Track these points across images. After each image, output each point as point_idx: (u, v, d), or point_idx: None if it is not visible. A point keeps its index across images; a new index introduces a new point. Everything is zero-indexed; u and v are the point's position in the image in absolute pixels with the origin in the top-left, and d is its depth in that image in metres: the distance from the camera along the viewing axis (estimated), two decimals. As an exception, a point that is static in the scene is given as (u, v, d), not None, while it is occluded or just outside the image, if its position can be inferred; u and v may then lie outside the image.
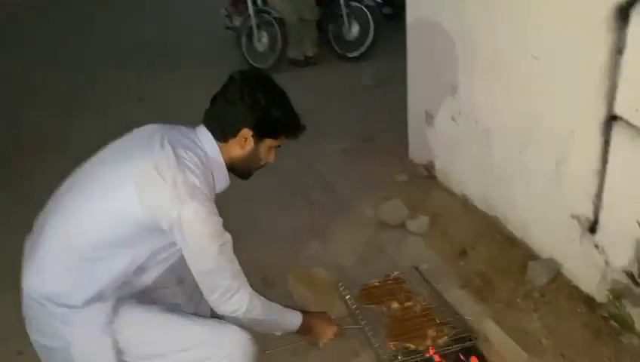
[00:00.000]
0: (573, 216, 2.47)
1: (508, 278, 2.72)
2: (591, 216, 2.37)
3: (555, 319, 2.44)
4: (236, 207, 2.34)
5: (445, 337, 2.18)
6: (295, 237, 3.03)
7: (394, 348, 2.15)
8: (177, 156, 1.53)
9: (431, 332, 2.18)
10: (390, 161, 3.75)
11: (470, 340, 2.18)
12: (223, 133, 1.65)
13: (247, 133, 1.64)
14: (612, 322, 2.36)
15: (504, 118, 2.78)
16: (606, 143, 2.20)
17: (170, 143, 1.56)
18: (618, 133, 2.12)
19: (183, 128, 1.69)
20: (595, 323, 2.38)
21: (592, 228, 2.38)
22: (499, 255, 2.89)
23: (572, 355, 2.26)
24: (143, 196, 1.48)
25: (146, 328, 1.58)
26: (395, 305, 2.36)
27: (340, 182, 3.61)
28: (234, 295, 1.62)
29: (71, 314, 1.52)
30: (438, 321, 2.27)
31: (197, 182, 1.51)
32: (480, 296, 2.62)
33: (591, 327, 2.37)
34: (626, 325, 2.31)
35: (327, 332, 2.01)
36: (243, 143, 1.66)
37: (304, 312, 1.98)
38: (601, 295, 2.44)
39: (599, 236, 2.36)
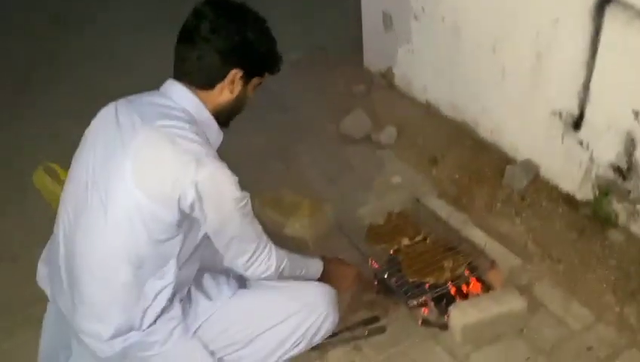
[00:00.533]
0: (554, 113, 2.34)
1: (484, 184, 2.60)
2: (575, 110, 2.24)
3: (538, 221, 2.36)
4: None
5: (462, 266, 2.04)
6: (255, 160, 2.76)
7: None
8: (160, 130, 1.32)
9: (447, 264, 2.03)
10: (345, 72, 3.47)
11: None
12: (208, 80, 1.40)
13: (236, 74, 1.40)
14: (595, 220, 2.29)
15: (475, 13, 2.55)
16: (596, 30, 2.02)
17: (144, 120, 1.34)
18: (612, 17, 1.95)
19: (146, 95, 1.45)
20: (579, 222, 2.32)
21: (577, 123, 2.26)
22: (471, 161, 2.75)
23: (559, 256, 2.19)
24: (153, 194, 1.31)
25: (228, 325, 1.49)
26: (405, 241, 2.18)
27: (294, 98, 3.31)
28: (261, 256, 1.48)
29: (146, 337, 1.41)
30: (450, 251, 2.13)
31: (196, 145, 1.32)
32: (458, 204, 2.50)
33: (575, 227, 2.30)
34: (610, 221, 2.25)
35: (348, 276, 1.83)
36: (232, 86, 1.41)
37: (323, 257, 1.77)
38: (583, 193, 2.37)
39: (584, 132, 2.25)
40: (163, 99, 1.39)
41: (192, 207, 1.31)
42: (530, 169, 2.51)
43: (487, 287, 2.05)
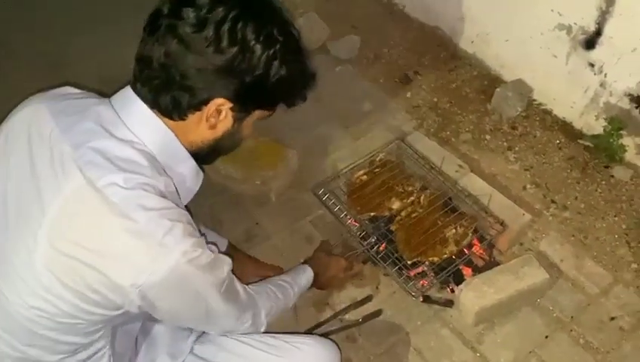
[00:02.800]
0: (561, 27, 1.93)
1: (467, 109, 2.21)
2: (591, 26, 1.84)
3: (535, 157, 2.03)
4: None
5: (469, 234, 1.67)
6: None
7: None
8: (103, 194, 0.79)
9: (450, 233, 1.65)
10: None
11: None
12: (174, 106, 0.86)
13: (220, 104, 0.86)
14: (598, 153, 2.00)
15: None
16: None
17: (78, 165, 0.80)
18: None
19: (90, 103, 0.90)
20: (579, 157, 2.02)
21: (590, 42, 1.87)
22: (450, 80, 2.34)
23: (563, 201, 1.90)
24: (74, 291, 0.81)
25: None
26: (396, 204, 1.75)
27: None
28: (248, 324, 1.06)
29: None
30: (451, 213, 1.75)
31: (160, 220, 0.81)
32: (441, 137, 2.11)
33: (576, 162, 2.01)
34: (616, 156, 1.97)
35: (337, 269, 1.55)
36: (214, 121, 0.88)
37: (307, 261, 1.49)
38: (584, 122, 2.05)
39: (598, 52, 1.87)
40: (114, 122, 0.85)
41: (141, 308, 0.84)
42: (524, 92, 2.14)
43: (492, 250, 1.73)
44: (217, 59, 0.79)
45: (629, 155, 1.95)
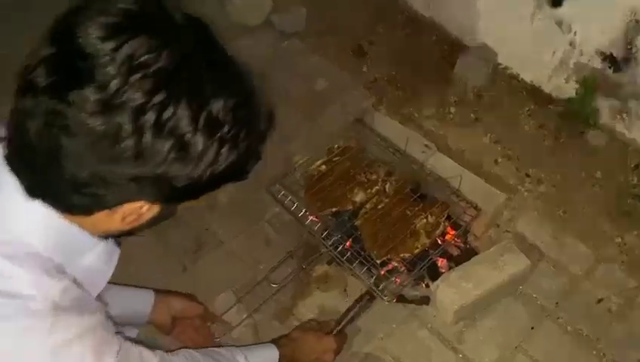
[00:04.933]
0: (525, -16, 1.75)
1: (429, 80, 2.03)
2: (557, -19, 1.67)
3: (504, 127, 1.88)
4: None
5: (441, 222, 1.50)
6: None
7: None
8: None
9: (421, 225, 1.48)
10: None
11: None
12: (67, 208, 0.64)
13: (140, 206, 0.65)
14: (570, 119, 1.86)
15: None
16: None
17: None
18: None
19: None
20: (551, 124, 1.88)
21: (557, -2, 1.71)
22: (407, 48, 2.15)
23: (538, 173, 1.76)
24: None
25: None
26: (359, 196, 1.56)
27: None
28: None
29: None
30: (420, 200, 1.59)
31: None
32: (403, 113, 1.93)
33: (548, 130, 1.86)
34: (589, 121, 1.83)
35: (324, 359, 1.27)
36: (131, 219, 0.67)
37: (276, 340, 1.23)
38: (553, 85, 1.90)
39: (567, 9, 1.72)
40: None
41: None
42: (489, 58, 1.97)
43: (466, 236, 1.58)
44: (135, 167, 0.56)
45: (604, 118, 1.82)
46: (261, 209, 1.66)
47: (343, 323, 1.37)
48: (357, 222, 1.54)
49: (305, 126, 1.84)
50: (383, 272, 1.47)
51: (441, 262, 1.52)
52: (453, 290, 1.38)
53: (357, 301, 1.42)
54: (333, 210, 1.57)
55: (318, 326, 1.35)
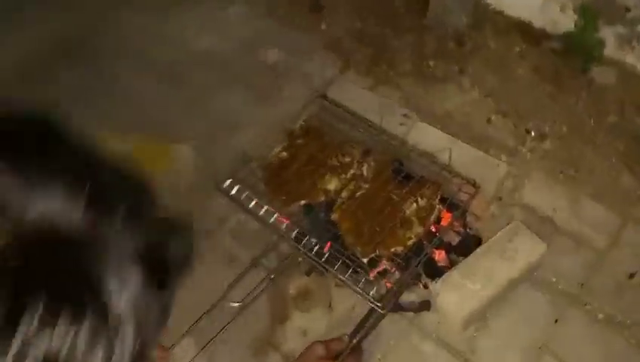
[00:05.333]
0: None
1: (400, 30, 1.74)
2: None
3: (494, 76, 1.60)
4: None
5: (435, 205, 1.23)
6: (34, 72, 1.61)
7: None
8: None
9: (411, 211, 1.22)
10: None
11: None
12: None
13: None
14: (569, 56, 1.57)
15: None
16: None
17: None
18: None
19: None
20: (548, 64, 1.60)
21: None
22: (370, -6, 1.83)
23: (540, 127, 1.49)
24: None
25: None
26: (332, 183, 1.29)
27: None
28: None
29: None
30: (406, 182, 1.30)
31: None
32: (375, 73, 1.64)
33: (545, 72, 1.58)
34: (593, 55, 1.55)
35: None
36: None
37: None
38: (544, 19, 1.60)
39: None
40: None
41: None
42: (467, -5, 1.66)
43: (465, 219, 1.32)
44: None
45: (610, 50, 1.53)
46: (218, 219, 1.40)
47: (357, 338, 1.10)
48: (333, 216, 1.28)
49: (258, 107, 1.55)
50: (373, 274, 1.22)
51: (439, 255, 1.27)
52: (457, 295, 1.13)
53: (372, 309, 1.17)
54: (302, 203, 1.30)
55: (325, 349, 1.05)
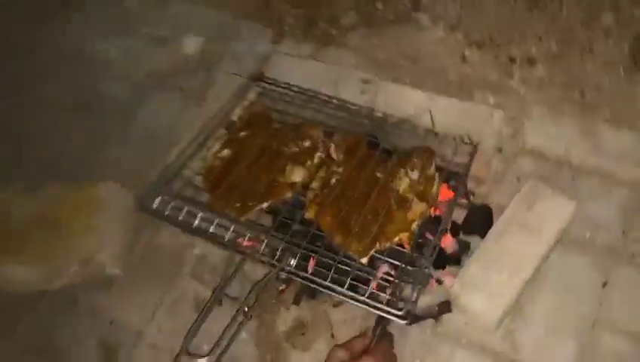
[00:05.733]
0: None
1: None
2: None
3: (455, 2, 1.32)
4: None
5: (433, 176, 1.00)
6: None
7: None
8: None
9: (405, 187, 0.99)
10: None
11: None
12: None
13: None
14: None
15: None
16: None
17: None
18: None
19: None
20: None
21: None
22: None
23: (526, 50, 1.24)
24: None
25: None
26: (297, 174, 1.05)
27: None
28: None
29: None
30: (390, 157, 1.04)
31: None
32: (316, 36, 1.36)
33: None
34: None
35: None
36: None
37: None
38: None
39: None
40: None
41: None
42: None
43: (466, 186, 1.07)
44: None
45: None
46: (175, 257, 1.14)
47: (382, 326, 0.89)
48: (308, 214, 1.01)
49: (184, 109, 1.27)
50: (375, 284, 0.96)
51: (445, 240, 1.03)
52: (483, 294, 0.90)
53: None
54: (264, 206, 1.03)
55: (346, 351, 0.85)
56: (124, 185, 1.19)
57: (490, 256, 0.92)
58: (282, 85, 1.17)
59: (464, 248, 1.03)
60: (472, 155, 1.01)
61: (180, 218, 0.98)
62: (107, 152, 1.25)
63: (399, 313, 0.84)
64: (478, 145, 1.02)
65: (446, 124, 1.07)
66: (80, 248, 1.07)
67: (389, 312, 0.85)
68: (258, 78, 1.19)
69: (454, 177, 1.04)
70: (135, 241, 1.16)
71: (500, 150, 1.13)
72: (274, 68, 1.25)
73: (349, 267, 0.91)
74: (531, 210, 0.94)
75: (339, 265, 0.89)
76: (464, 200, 1.07)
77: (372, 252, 0.94)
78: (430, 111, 1.06)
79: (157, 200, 0.98)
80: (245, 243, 0.98)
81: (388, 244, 0.95)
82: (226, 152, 1.11)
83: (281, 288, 1.06)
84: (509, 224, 0.94)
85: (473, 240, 1.03)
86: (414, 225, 0.93)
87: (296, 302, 1.06)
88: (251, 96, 1.19)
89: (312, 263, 0.98)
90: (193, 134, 1.09)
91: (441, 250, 1.02)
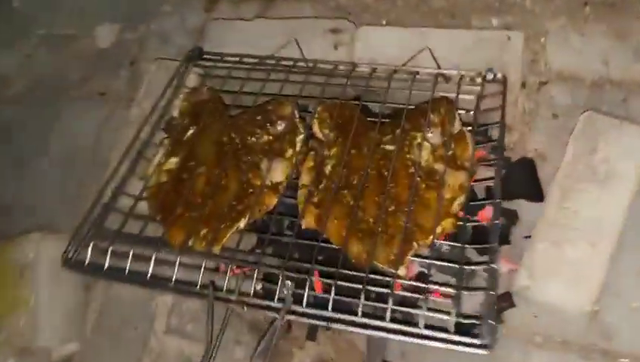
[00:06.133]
0: None
1: None
2: None
3: None
4: None
5: (464, 131, 0.74)
6: None
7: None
8: None
9: (429, 157, 0.73)
10: None
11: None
12: None
13: None
14: None
15: None
16: None
17: None
18: None
19: None
20: None
21: None
22: None
23: None
24: None
25: None
26: (279, 171, 0.78)
27: None
28: None
29: None
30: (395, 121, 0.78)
31: None
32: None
33: None
34: None
35: None
36: None
37: None
38: None
39: None
40: None
41: None
42: None
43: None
44: None
45: None
46: (141, 314, 0.86)
47: None
48: (304, 222, 0.73)
49: (109, 117, 0.98)
50: (434, 293, 0.70)
51: (483, 214, 0.77)
52: (562, 280, 0.65)
53: None
54: (242, 225, 0.73)
55: None
56: (53, 231, 0.90)
57: (557, 225, 0.67)
58: (229, 59, 0.89)
59: (512, 219, 0.78)
60: (502, 95, 0.76)
61: (126, 268, 0.69)
62: (22, 194, 0.96)
63: (477, 342, 0.59)
64: (505, 79, 0.77)
65: (451, 63, 0.81)
66: (11, 334, 0.78)
67: (464, 344, 0.59)
68: (196, 56, 0.91)
69: (484, 129, 0.79)
70: (86, 302, 0.88)
71: (523, 85, 0.88)
72: (214, 40, 0.96)
73: (386, 287, 0.65)
74: (596, 152, 0.69)
75: (369, 288, 0.63)
76: (494, 156, 0.82)
77: (409, 257, 0.67)
78: (429, 50, 0.79)
79: (89, 251, 0.69)
80: (229, 275, 0.70)
81: (429, 241, 0.68)
82: (173, 161, 0.82)
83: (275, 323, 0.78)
84: (572, 177, 0.70)
85: (519, 206, 0.78)
86: (457, 205, 0.67)
87: (311, 337, 0.80)
88: (191, 81, 0.90)
89: (317, 285, 0.72)
90: (125, 146, 0.81)
91: (480, 228, 0.77)
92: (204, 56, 0.91)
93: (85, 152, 0.96)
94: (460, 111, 0.76)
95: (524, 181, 0.80)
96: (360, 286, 0.63)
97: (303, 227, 0.72)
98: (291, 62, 0.85)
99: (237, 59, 0.88)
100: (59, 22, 1.18)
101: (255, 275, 0.67)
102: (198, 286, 0.65)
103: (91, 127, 0.99)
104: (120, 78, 1.05)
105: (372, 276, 0.64)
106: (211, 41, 0.96)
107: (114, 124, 0.97)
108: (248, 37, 0.94)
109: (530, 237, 0.76)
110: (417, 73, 0.79)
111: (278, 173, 0.79)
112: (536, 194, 0.79)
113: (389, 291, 0.62)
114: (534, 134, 0.85)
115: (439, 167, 0.70)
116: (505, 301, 0.76)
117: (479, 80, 0.78)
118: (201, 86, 0.89)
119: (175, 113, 0.86)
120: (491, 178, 0.71)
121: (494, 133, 0.80)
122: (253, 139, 0.82)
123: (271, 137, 0.83)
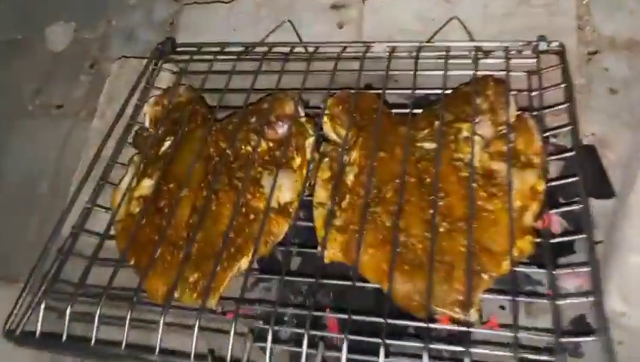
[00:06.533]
0: None
1: None
2: None
3: None
4: None
5: (526, 118, 0.58)
6: None
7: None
8: None
9: (484, 160, 0.58)
10: None
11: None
12: None
13: None
14: None
15: None
16: None
17: None
18: None
19: None
20: None
21: None
22: None
23: None
24: None
25: None
26: (285, 189, 0.61)
27: None
28: None
29: None
30: (433, 112, 0.61)
31: None
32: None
33: None
34: None
35: None
36: None
37: None
38: None
39: None
40: None
41: None
42: None
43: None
44: None
45: None
46: None
47: None
48: (328, 256, 0.56)
49: (67, 135, 0.80)
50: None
51: (548, 220, 0.61)
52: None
53: None
54: (243, 266, 0.57)
55: None
56: (9, 281, 0.73)
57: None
58: (209, 49, 0.72)
59: (575, 224, 0.62)
60: (563, 69, 0.59)
61: (93, 337, 0.52)
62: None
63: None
64: (564, 48, 0.60)
65: (486, 34, 0.65)
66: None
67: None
68: (167, 50, 0.73)
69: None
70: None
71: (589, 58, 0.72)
72: (189, 29, 0.79)
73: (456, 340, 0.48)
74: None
75: (432, 345, 0.46)
76: (552, 147, 0.66)
77: (481, 295, 0.51)
78: (458, 19, 0.63)
79: (40, 316, 0.52)
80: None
81: (505, 269, 0.51)
82: (146, 185, 0.65)
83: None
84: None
85: (583, 207, 0.62)
86: (530, 216, 0.51)
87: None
88: (163, 80, 0.73)
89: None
90: (85, 170, 0.63)
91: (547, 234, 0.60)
92: (178, 49, 0.74)
93: (37, 182, 0.79)
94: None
95: (587, 174, 0.64)
96: (421, 345, 0.45)
97: (326, 260, 0.55)
98: (288, 49, 0.68)
99: (218, 49, 0.71)
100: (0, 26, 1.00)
101: (270, 339, 0.49)
102: (192, 358, 0.47)
103: (50, 149, 0.82)
104: (80, 86, 0.88)
105: (432, 325, 0.48)
106: (186, 31, 0.79)
107: (76, 142, 0.79)
108: (231, 21, 0.76)
109: (602, 242, 0.61)
110: (449, 49, 0.63)
111: (286, 190, 0.62)
112: (605, 190, 0.64)
113: (464, 348, 0.45)
114: (590, 115, 0.69)
115: (499, 166, 0.54)
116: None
117: (529, 52, 0.61)
118: (176, 85, 0.72)
119: (146, 122, 0.69)
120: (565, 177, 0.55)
121: (549, 119, 0.64)
122: (248, 148, 0.66)
123: (271, 144, 0.66)
